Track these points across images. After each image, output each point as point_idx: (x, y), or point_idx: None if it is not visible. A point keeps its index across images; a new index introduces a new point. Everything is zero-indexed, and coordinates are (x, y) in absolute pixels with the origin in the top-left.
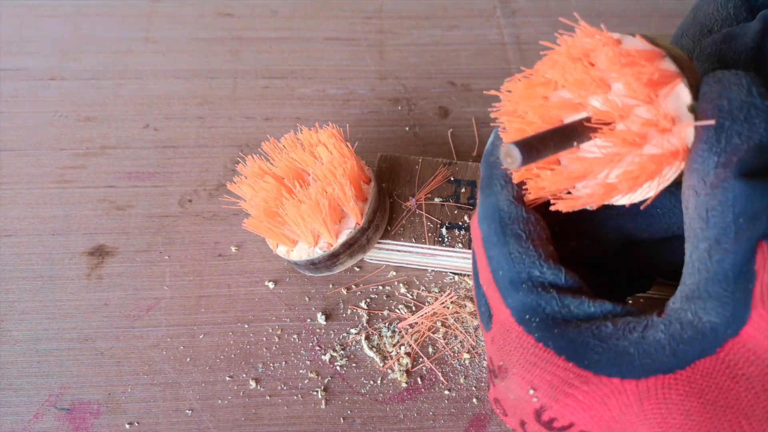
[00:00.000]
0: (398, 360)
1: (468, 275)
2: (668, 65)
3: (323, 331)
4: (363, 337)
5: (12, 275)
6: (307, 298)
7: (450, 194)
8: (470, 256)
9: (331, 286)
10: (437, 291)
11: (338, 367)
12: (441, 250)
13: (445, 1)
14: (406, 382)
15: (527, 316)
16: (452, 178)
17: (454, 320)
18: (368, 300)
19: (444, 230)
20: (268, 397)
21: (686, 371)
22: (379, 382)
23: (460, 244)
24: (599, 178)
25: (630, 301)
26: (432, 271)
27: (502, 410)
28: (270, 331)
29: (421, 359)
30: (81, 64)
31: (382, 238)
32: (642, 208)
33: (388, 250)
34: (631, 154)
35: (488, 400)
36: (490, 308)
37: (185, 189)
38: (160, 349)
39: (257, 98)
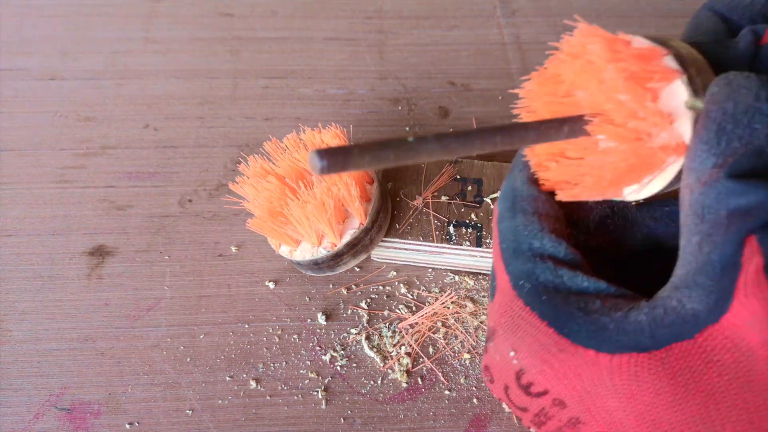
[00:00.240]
0: (398, 360)
1: (469, 274)
2: (669, 63)
3: (323, 331)
4: (363, 337)
5: (12, 275)
6: (307, 298)
7: (456, 192)
8: (477, 253)
9: (331, 286)
10: (437, 291)
11: (338, 367)
12: (448, 248)
13: (445, 1)
14: (407, 382)
15: (521, 282)
16: (458, 177)
17: (455, 320)
18: (368, 300)
19: (451, 228)
20: (268, 397)
21: (661, 352)
22: (379, 382)
23: (467, 242)
24: (594, 172)
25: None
26: (432, 271)
27: (490, 377)
28: (270, 331)
29: (421, 359)
30: (81, 64)
31: (389, 236)
32: (645, 201)
33: (395, 248)
34: (624, 150)
35: (489, 400)
36: (496, 278)
37: (185, 189)
38: (161, 349)
39: (257, 98)
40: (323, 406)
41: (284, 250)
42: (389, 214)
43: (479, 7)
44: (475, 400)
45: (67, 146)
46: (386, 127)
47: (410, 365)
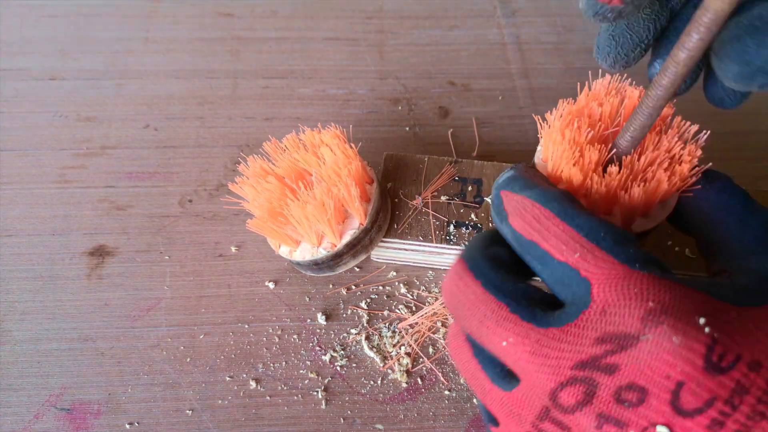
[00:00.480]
0: (398, 360)
1: None
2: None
3: (323, 331)
4: (363, 338)
5: (12, 275)
6: (307, 299)
7: (456, 192)
8: None
9: (331, 286)
10: (437, 291)
11: (338, 367)
12: (448, 248)
13: (445, 1)
14: (407, 382)
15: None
16: (458, 177)
17: None
18: (368, 300)
19: (451, 228)
20: (268, 398)
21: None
22: (379, 382)
23: (467, 242)
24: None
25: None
26: (432, 271)
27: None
28: (270, 331)
29: (421, 359)
30: (81, 64)
31: (389, 237)
32: None
33: (395, 249)
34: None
35: None
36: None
37: (185, 189)
38: (161, 349)
39: (257, 98)
40: (323, 406)
41: (284, 251)
42: (389, 215)
43: (479, 7)
44: (475, 400)
45: (67, 146)
46: (386, 127)
47: (410, 365)
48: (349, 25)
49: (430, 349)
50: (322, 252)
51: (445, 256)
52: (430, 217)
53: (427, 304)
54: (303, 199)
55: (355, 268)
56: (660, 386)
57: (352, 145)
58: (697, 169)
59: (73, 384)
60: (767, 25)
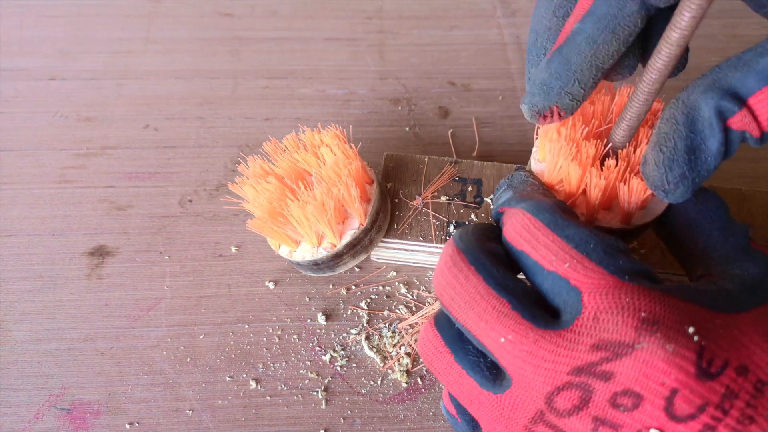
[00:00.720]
0: (398, 360)
1: None
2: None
3: (323, 331)
4: (363, 338)
5: (12, 275)
6: (307, 299)
7: (456, 193)
8: None
9: (331, 286)
10: None
11: (338, 368)
12: None
13: (445, 1)
14: (407, 383)
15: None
16: (458, 177)
17: None
18: (368, 300)
19: (451, 228)
20: (268, 398)
21: None
22: (379, 382)
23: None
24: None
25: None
26: (432, 271)
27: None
28: (270, 331)
29: (421, 359)
30: (81, 64)
31: (389, 237)
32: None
33: (395, 249)
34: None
35: None
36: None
37: (185, 189)
38: (161, 350)
39: (257, 98)
40: (323, 406)
41: (284, 251)
42: (389, 215)
43: (479, 7)
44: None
45: (67, 146)
46: (386, 128)
47: (410, 365)
48: (349, 25)
49: None
50: (322, 252)
51: None
52: (430, 218)
53: (427, 304)
54: (303, 199)
55: (355, 268)
56: (655, 392)
57: (352, 145)
58: None
59: (73, 384)
60: None
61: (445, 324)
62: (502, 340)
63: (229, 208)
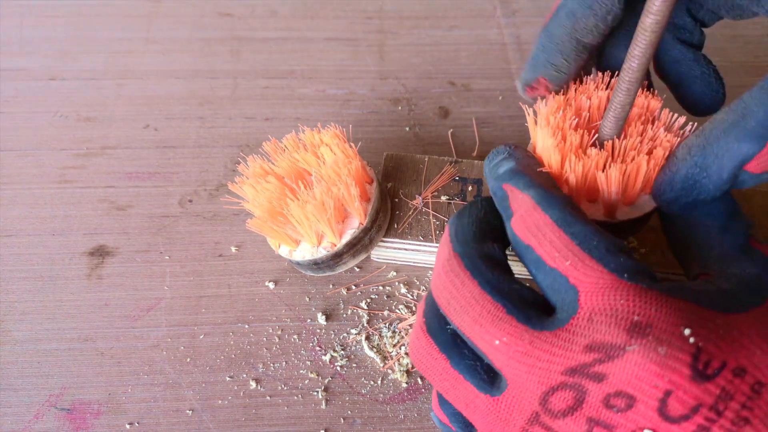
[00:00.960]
0: (398, 360)
1: None
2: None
3: (323, 331)
4: (363, 338)
5: (12, 275)
6: (307, 299)
7: (456, 193)
8: None
9: (331, 286)
10: None
11: (338, 368)
12: None
13: (445, 1)
14: (407, 383)
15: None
16: (458, 177)
17: None
18: (368, 300)
19: None
20: (268, 398)
21: None
22: (379, 382)
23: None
24: None
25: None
26: (432, 271)
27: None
28: (270, 331)
29: None
30: (81, 64)
31: (389, 236)
32: None
33: (395, 248)
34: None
35: None
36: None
37: (185, 189)
38: (161, 350)
39: (257, 98)
40: (323, 406)
41: (284, 250)
42: (389, 214)
43: (479, 7)
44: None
45: (67, 146)
46: (386, 127)
47: (410, 365)
48: (349, 25)
49: None
50: (322, 252)
51: None
52: (431, 217)
53: None
54: (303, 198)
55: (355, 268)
56: (648, 394)
57: (352, 144)
58: None
59: (73, 384)
60: None
61: (437, 329)
62: (497, 342)
63: (229, 208)
